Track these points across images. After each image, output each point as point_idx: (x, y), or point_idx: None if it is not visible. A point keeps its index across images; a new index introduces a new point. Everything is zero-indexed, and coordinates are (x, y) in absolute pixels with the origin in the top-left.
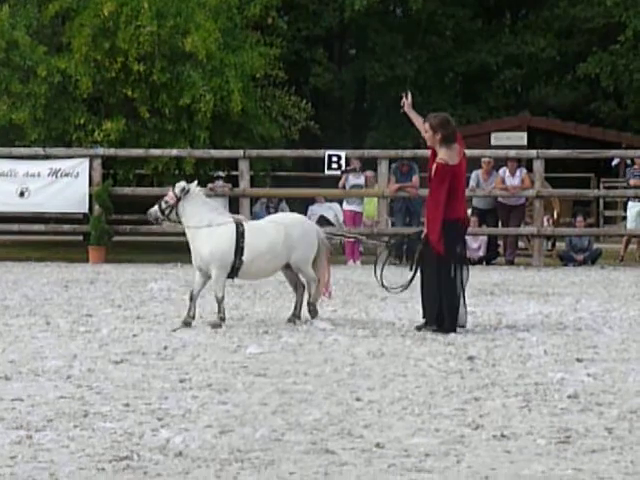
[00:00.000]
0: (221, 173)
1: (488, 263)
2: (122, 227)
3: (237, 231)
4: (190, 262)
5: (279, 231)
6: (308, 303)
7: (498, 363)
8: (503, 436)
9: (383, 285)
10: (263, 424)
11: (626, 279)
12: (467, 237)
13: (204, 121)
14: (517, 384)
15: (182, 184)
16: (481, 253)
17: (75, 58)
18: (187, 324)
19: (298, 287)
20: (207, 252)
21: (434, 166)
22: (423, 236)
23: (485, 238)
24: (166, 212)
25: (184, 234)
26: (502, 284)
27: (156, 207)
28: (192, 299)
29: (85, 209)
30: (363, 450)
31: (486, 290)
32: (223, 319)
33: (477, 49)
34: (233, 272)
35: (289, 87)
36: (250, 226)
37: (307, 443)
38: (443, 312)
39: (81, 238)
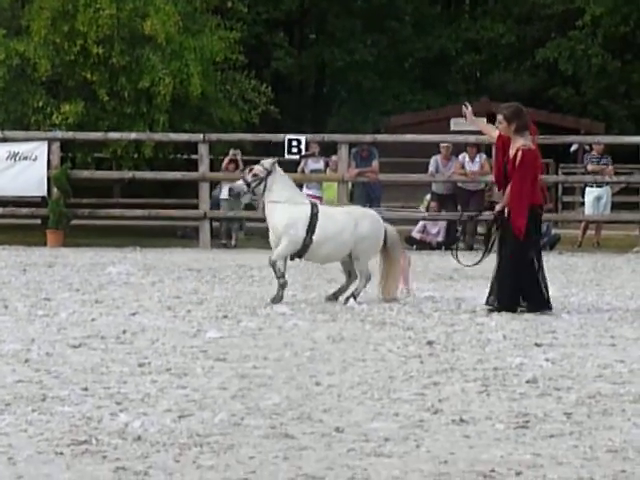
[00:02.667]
0: (236, 151)
1: (447, 248)
2: (81, 210)
3: (312, 211)
4: (148, 246)
5: (349, 220)
6: (351, 294)
7: (457, 348)
8: (462, 421)
9: (458, 260)
10: (222, 408)
11: (584, 265)
12: (427, 222)
13: (163, 104)
14: (476, 369)
15: (271, 159)
16: (440, 238)
17: (34, 41)
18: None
19: (352, 275)
20: (283, 224)
21: (519, 153)
22: (498, 220)
23: (444, 223)
24: (253, 185)
25: (142, 218)
26: (461, 269)
27: (240, 181)
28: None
29: (43, 192)
30: (322, 434)
31: (445, 275)
32: (282, 297)
33: (436, 34)
34: (303, 249)
35: (249, 71)
36: (324, 210)
37: (266, 427)
38: (525, 294)
39: (39, 222)
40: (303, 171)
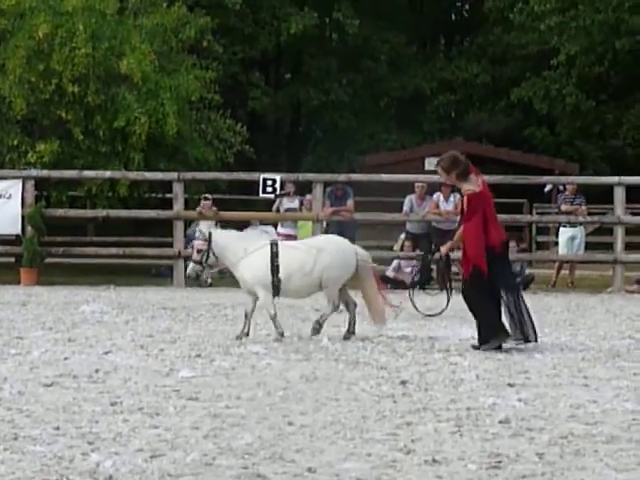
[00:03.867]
0: (208, 195)
1: (421, 287)
2: (55, 249)
3: (272, 252)
4: (122, 284)
5: (310, 251)
6: (316, 320)
7: (430, 387)
8: (435, 461)
9: (417, 309)
10: (194, 448)
11: (558, 304)
12: (401, 261)
13: (139, 143)
14: (449, 409)
15: (203, 227)
16: (415, 277)
17: (9, 79)
18: (239, 338)
19: (349, 304)
20: (249, 278)
21: (465, 198)
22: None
23: (418, 262)
24: (203, 260)
25: (116, 256)
26: (435, 308)
27: (191, 264)
28: (246, 317)
29: (18, 230)
30: (295, 475)
31: (419, 314)
32: (282, 334)
33: (412, 74)
34: (275, 290)
35: (224, 110)
36: (284, 246)
37: (239, 467)
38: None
39: (13, 260)
40: (278, 210)
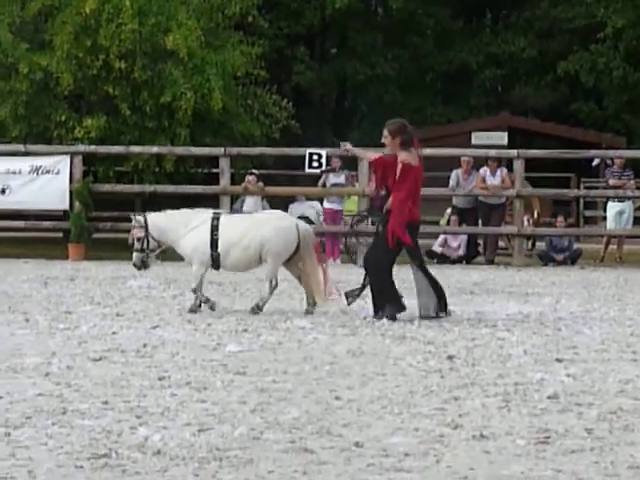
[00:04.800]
0: (254, 170)
1: (468, 262)
2: (102, 224)
3: (211, 225)
4: (169, 259)
5: (250, 225)
6: (256, 304)
7: (478, 363)
8: (482, 436)
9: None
10: (242, 422)
11: (606, 279)
12: (448, 236)
13: (185, 119)
14: (497, 384)
15: (138, 217)
16: (461, 252)
17: (57, 55)
18: (193, 311)
19: (302, 278)
20: (189, 250)
21: (399, 167)
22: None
23: (465, 237)
24: (144, 246)
25: None
26: (482, 283)
27: (134, 254)
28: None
29: (65, 206)
30: (342, 449)
31: (466, 289)
32: (199, 306)
33: (458, 48)
34: (214, 263)
35: (270, 86)
36: (225, 220)
37: (286, 442)
38: (387, 300)
39: (61, 235)
40: (324, 185)
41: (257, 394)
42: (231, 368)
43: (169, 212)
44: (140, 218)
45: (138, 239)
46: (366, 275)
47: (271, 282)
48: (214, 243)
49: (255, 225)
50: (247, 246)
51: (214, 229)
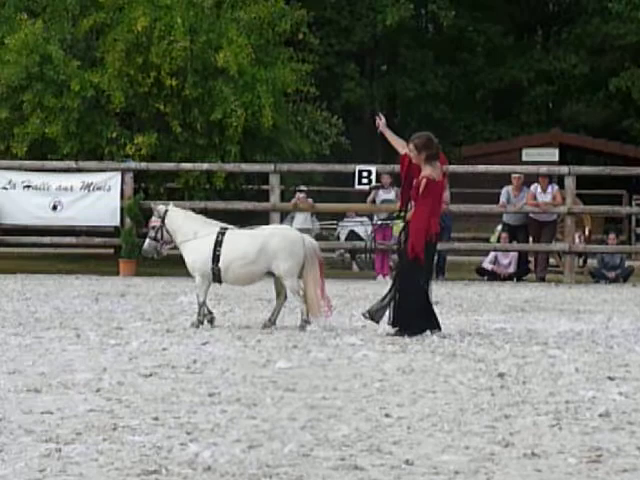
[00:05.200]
0: (303, 187)
1: (519, 279)
2: None
3: (216, 240)
4: None
5: (254, 241)
6: (304, 319)
7: (529, 380)
8: (534, 454)
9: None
10: (292, 439)
11: None
12: (498, 253)
13: (235, 136)
14: (548, 402)
15: (160, 206)
16: (512, 269)
17: (108, 73)
18: (195, 325)
19: (280, 296)
20: (190, 262)
21: (423, 181)
22: (401, 245)
23: (516, 254)
24: (158, 236)
25: None
26: (533, 301)
27: (147, 240)
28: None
29: (116, 222)
30: (392, 467)
31: (517, 306)
32: (201, 322)
33: (508, 65)
34: (216, 277)
35: (320, 102)
36: (230, 235)
37: (336, 459)
38: (410, 317)
39: (112, 251)
40: (374, 201)
41: (307, 411)
42: (281, 385)
43: (189, 213)
44: (161, 208)
45: (153, 227)
46: (390, 290)
47: (298, 294)
48: (215, 258)
49: (261, 240)
50: (253, 260)
51: (217, 244)
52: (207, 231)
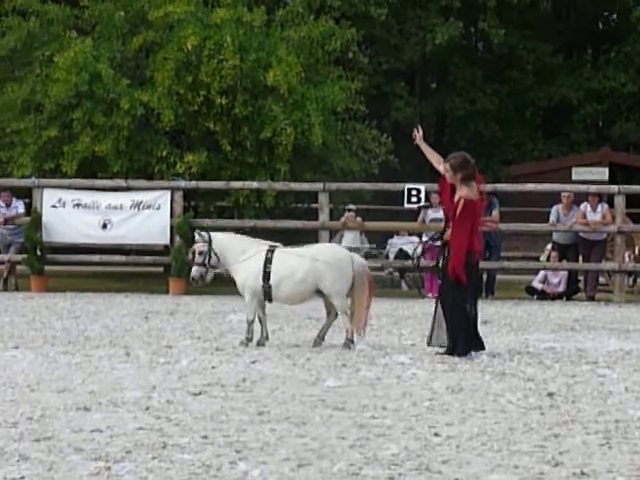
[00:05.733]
0: (352, 206)
1: (568, 298)
2: None
3: (265, 258)
4: None
5: (303, 259)
6: (348, 338)
7: (578, 400)
8: (583, 474)
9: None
10: (341, 458)
11: None
12: (547, 272)
13: (285, 154)
14: (597, 421)
15: (202, 232)
16: (561, 288)
17: (158, 91)
18: (244, 344)
19: (330, 314)
20: (241, 282)
21: (460, 202)
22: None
23: (565, 273)
24: (205, 261)
25: None
26: (582, 320)
27: (194, 267)
28: (261, 322)
29: (166, 241)
30: None
31: (566, 326)
32: (250, 339)
33: (558, 84)
34: (267, 295)
35: (369, 121)
36: (279, 254)
37: (385, 478)
38: (455, 336)
39: (162, 270)
40: (423, 221)
41: (356, 430)
42: (330, 403)
43: (232, 235)
44: (204, 234)
45: (200, 253)
46: (435, 312)
47: (346, 313)
48: (266, 275)
49: (310, 259)
50: (302, 280)
51: (267, 262)
52: (256, 249)
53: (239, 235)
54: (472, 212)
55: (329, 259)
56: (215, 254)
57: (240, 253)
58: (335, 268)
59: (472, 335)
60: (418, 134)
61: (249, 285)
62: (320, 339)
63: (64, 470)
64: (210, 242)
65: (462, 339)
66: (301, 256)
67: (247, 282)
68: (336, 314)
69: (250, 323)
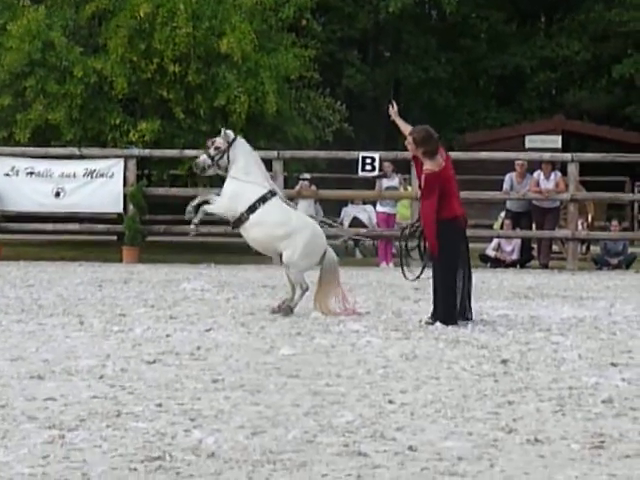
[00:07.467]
0: (307, 175)
1: (522, 266)
2: (156, 227)
3: (263, 195)
4: (223, 262)
5: (289, 223)
6: (287, 305)
7: (532, 367)
8: (537, 440)
9: (405, 275)
10: (295, 426)
11: None
12: (501, 240)
13: (239, 122)
14: (551, 388)
15: (229, 131)
16: (515, 256)
17: (111, 59)
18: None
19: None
20: (228, 191)
21: (423, 176)
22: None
23: (519, 241)
24: (216, 158)
25: (218, 235)
26: (536, 287)
27: (204, 156)
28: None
29: (119, 209)
30: (396, 453)
31: (520, 293)
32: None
33: (511, 52)
34: (237, 221)
35: (323, 89)
36: (277, 202)
37: (339, 445)
38: (440, 305)
39: (115, 238)
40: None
41: (310, 397)
42: (284, 371)
43: (255, 155)
44: (230, 133)
45: (216, 148)
46: (435, 295)
47: (300, 286)
48: (252, 209)
49: (294, 225)
50: (277, 237)
51: (262, 200)
52: (260, 180)
53: (260, 162)
54: (437, 183)
55: (306, 238)
56: (228, 157)
57: (243, 173)
58: (306, 249)
59: (463, 307)
60: (393, 109)
61: (226, 204)
62: (290, 309)
63: (18, 438)
64: (230, 144)
65: (455, 312)
66: (288, 216)
67: (227, 196)
68: (307, 287)
69: (201, 209)
